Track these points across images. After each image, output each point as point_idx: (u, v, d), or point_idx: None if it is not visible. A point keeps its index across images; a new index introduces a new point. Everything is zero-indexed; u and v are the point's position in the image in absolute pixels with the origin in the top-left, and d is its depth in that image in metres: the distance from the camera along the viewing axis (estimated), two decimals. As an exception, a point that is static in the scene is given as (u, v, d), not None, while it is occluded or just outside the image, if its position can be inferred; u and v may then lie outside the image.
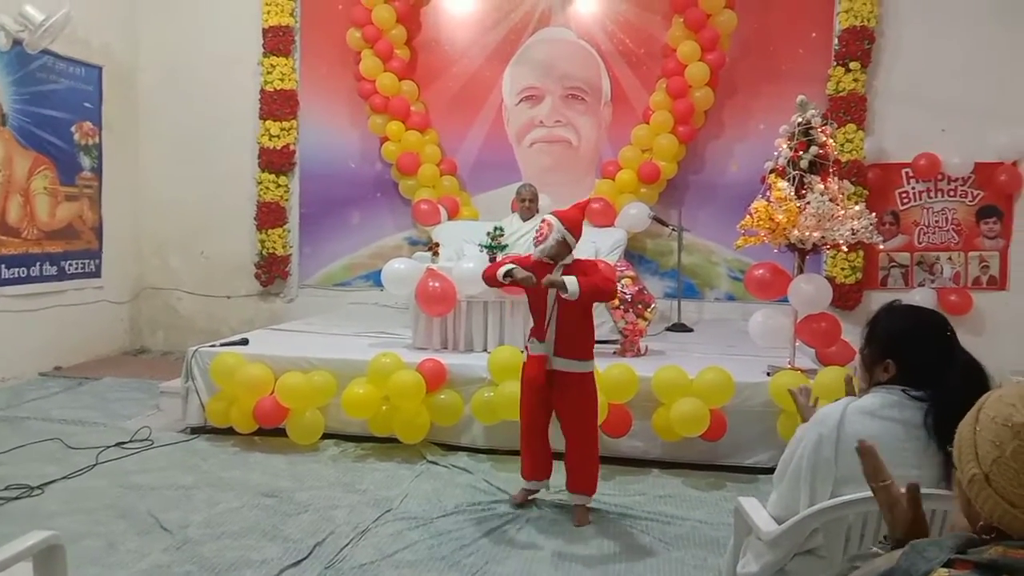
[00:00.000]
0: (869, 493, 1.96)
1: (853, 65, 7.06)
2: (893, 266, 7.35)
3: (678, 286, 7.21)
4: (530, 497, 4.12)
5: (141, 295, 8.22)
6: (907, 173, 7.25)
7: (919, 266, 7.30)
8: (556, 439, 4.05)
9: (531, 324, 3.98)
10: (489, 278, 4.03)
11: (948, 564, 1.13)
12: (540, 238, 3.84)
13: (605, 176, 7.38)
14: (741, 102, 7.44)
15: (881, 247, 6.97)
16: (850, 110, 7.08)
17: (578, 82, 7.62)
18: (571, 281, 3.68)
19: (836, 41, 7.16)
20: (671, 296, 7.26)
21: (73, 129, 7.24)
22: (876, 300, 7.12)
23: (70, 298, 7.21)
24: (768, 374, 4.88)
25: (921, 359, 2.04)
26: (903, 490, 1.50)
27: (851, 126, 7.06)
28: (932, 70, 7.07)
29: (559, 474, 4.07)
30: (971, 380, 1.97)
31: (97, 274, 7.59)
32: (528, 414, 3.98)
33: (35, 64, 6.71)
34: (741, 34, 7.22)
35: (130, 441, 4.96)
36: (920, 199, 7.26)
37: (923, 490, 1.50)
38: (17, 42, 6.41)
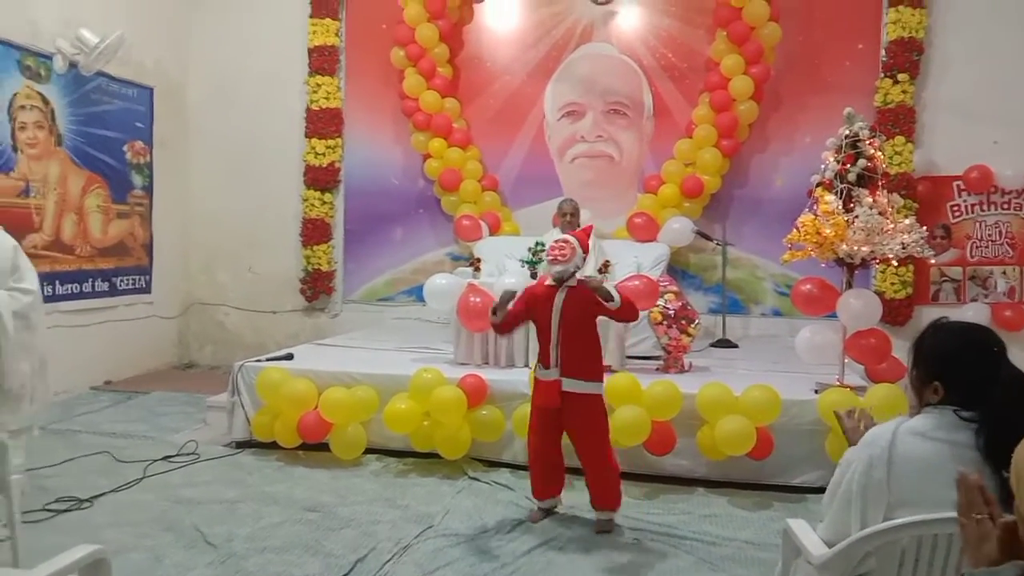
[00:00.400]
0: (924, 517, 1.92)
1: (901, 77, 6.93)
2: (945, 280, 7.16)
3: (722, 301, 7.12)
4: (549, 512, 4.10)
5: (190, 310, 8.38)
6: (958, 186, 7.08)
7: (972, 280, 7.11)
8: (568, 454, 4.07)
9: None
10: (495, 327, 3.94)
11: None
12: (562, 259, 3.75)
13: (647, 190, 7.33)
14: (786, 115, 7.35)
15: (932, 261, 6.83)
16: (899, 122, 6.94)
17: (620, 97, 7.60)
18: (615, 292, 3.71)
19: (883, 53, 7.04)
20: (715, 312, 7.17)
21: (125, 148, 7.44)
22: (927, 315, 6.92)
23: (121, 313, 7.38)
24: (816, 391, 4.77)
25: (968, 379, 1.98)
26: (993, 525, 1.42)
27: (900, 138, 6.92)
28: (982, 81, 6.91)
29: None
30: (1022, 398, 1.90)
31: (147, 290, 7.76)
32: (537, 437, 3.96)
33: (90, 86, 6.91)
34: (786, 47, 7.14)
35: (177, 455, 5.04)
36: (972, 212, 7.07)
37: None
38: (73, 65, 6.61)
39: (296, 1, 7.95)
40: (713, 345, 6.83)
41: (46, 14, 6.40)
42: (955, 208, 7.12)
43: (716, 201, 7.34)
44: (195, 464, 4.92)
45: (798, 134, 7.30)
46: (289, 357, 5.59)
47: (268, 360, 5.47)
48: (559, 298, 3.77)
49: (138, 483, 4.54)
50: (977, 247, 7.07)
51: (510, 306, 3.83)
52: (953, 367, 2.01)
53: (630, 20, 7.61)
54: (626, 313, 3.82)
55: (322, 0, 7.87)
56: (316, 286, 8.02)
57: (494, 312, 3.81)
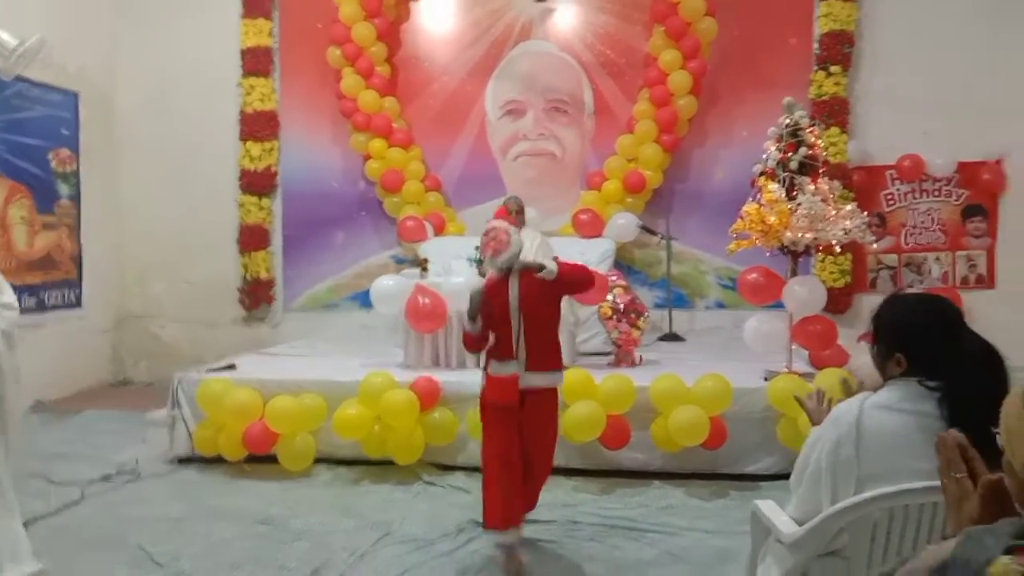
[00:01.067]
0: (895, 488, 1.91)
1: (834, 69, 7.09)
2: (882, 268, 7.34)
3: (668, 296, 7.16)
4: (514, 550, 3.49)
5: (123, 324, 8.06)
6: (891, 175, 7.26)
7: (907, 267, 7.30)
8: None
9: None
10: (468, 341, 3.66)
11: (1008, 551, 1.06)
12: (500, 246, 3.46)
13: (591, 187, 7.34)
14: (724, 110, 7.44)
15: (873, 247, 6.99)
16: (833, 114, 7.09)
17: (560, 94, 7.60)
18: (548, 262, 3.50)
19: (816, 46, 7.18)
20: (661, 307, 7.19)
21: (50, 156, 7.12)
22: (866, 303, 7.10)
23: (50, 330, 7.04)
24: (765, 379, 4.82)
25: (930, 349, 1.98)
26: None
27: (835, 129, 7.06)
28: (913, 72, 7.09)
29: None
30: (985, 364, 1.92)
31: (78, 304, 7.44)
32: (501, 445, 3.45)
33: (9, 91, 6.59)
34: (722, 42, 7.22)
35: (117, 474, 4.81)
36: (905, 200, 7.26)
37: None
38: (-10, 70, 6.28)
39: (228, 2, 7.72)
40: (661, 339, 6.87)
41: (-41, 16, 6.08)
42: (889, 197, 7.30)
43: (658, 196, 7.38)
44: (136, 482, 4.72)
45: (736, 128, 7.39)
46: (231, 367, 5.40)
47: (209, 371, 5.28)
48: (513, 287, 3.48)
49: (76, 504, 4.31)
50: (911, 234, 7.27)
51: (475, 303, 3.48)
52: (914, 338, 2.01)
53: (568, 17, 7.61)
54: (579, 278, 3.59)
55: (254, 0, 7.66)
56: (255, 295, 7.80)
57: (472, 319, 3.47)
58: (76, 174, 7.45)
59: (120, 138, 8.00)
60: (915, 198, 7.25)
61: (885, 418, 1.97)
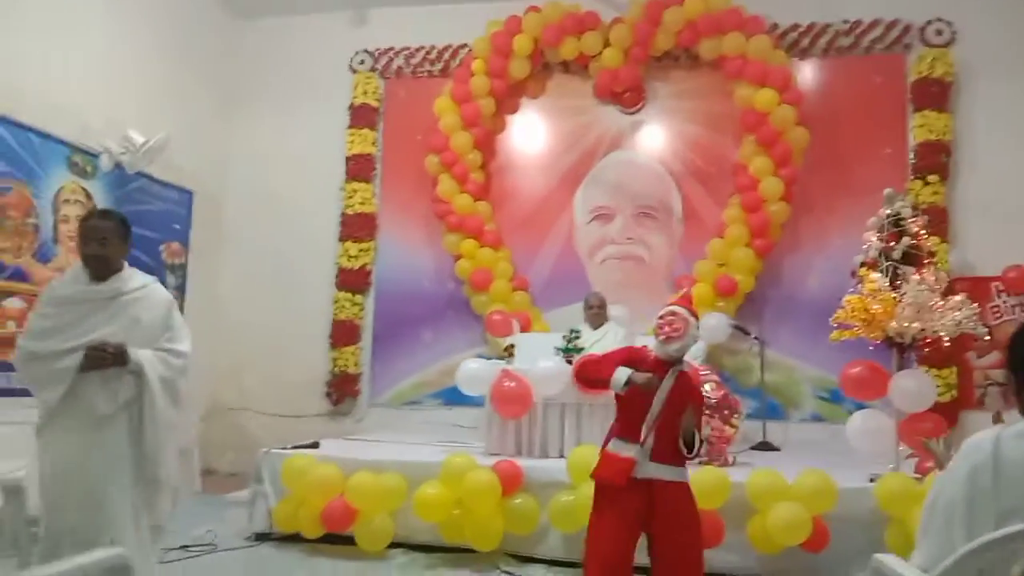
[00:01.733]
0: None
1: (931, 178, 6.98)
2: (990, 384, 6.90)
3: (762, 405, 6.87)
4: None
5: (212, 414, 8.21)
6: (997, 287, 6.95)
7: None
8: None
9: (611, 421, 3.36)
10: (589, 377, 3.42)
11: None
12: (675, 334, 3.23)
13: (694, 311, 7.24)
14: (818, 217, 7.36)
15: (975, 364, 6.67)
16: (932, 223, 6.90)
17: (649, 201, 7.69)
18: (696, 444, 3.24)
19: (912, 155, 7.12)
20: (754, 416, 6.89)
21: (162, 248, 7.54)
22: (972, 422, 6.68)
23: (144, 414, 7.22)
24: (871, 480, 4.50)
25: None
26: None
27: (934, 239, 6.86)
28: (1013, 181, 6.93)
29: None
30: None
31: (172, 391, 7.63)
32: (611, 539, 3.15)
33: (132, 186, 7.09)
34: (814, 151, 7.24)
35: (193, 546, 4.77)
36: (1013, 313, 6.91)
37: None
38: (118, 164, 6.80)
39: (335, 112, 8.25)
40: (754, 448, 6.55)
41: (96, 114, 6.65)
42: (994, 310, 6.97)
43: (750, 302, 7.24)
44: (213, 553, 4.66)
45: (830, 235, 7.28)
46: (315, 445, 5.40)
47: (295, 448, 5.28)
48: (668, 380, 3.21)
49: (153, 570, 4.27)
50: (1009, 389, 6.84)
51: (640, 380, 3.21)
52: None
53: (657, 128, 7.80)
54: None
55: (361, 112, 8.17)
56: (342, 389, 7.88)
57: (626, 386, 3.22)
58: (184, 267, 7.84)
59: (227, 235, 8.45)
60: (1023, 311, 6.90)
61: (1025, 447, 1.80)
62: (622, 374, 3.22)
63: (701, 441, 3.27)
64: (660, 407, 3.20)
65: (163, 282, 7.38)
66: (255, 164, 8.45)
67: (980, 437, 1.88)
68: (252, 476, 5.18)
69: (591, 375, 3.40)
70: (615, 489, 3.18)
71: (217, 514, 5.66)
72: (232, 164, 8.54)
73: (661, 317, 3.31)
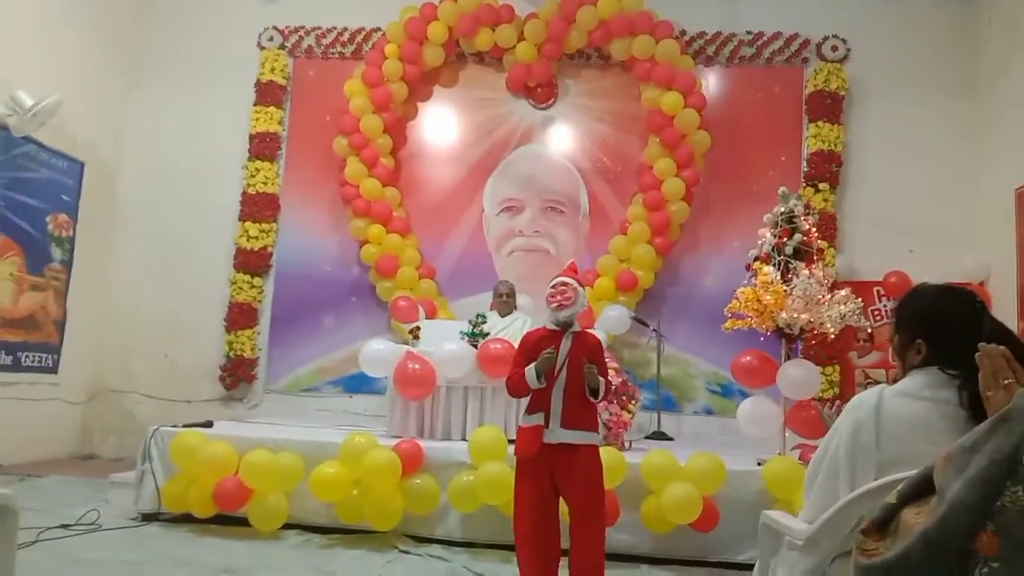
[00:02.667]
0: (918, 472, 1.83)
1: (823, 186, 7.36)
2: (869, 382, 7.32)
3: (658, 397, 7.07)
4: None
5: (97, 397, 7.83)
6: (878, 291, 7.38)
7: (895, 383, 7.27)
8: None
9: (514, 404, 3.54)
10: (519, 393, 3.50)
11: None
12: (567, 302, 3.45)
13: (584, 284, 7.37)
14: (716, 220, 7.64)
15: (857, 363, 7.06)
16: (821, 229, 7.25)
17: (557, 195, 7.80)
18: (602, 390, 3.39)
19: (805, 164, 7.48)
20: (649, 408, 7.08)
21: (48, 219, 7.14)
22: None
23: (22, 391, 6.84)
24: (759, 464, 4.70)
25: (949, 334, 1.96)
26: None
27: (823, 242, 7.22)
28: (897, 193, 7.39)
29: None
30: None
31: (54, 370, 7.25)
32: (535, 505, 3.32)
33: (18, 151, 6.70)
34: (715, 155, 7.51)
35: (75, 524, 4.54)
36: (892, 316, 7.34)
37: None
38: (3, 127, 6.42)
39: (241, 89, 8.01)
40: (648, 437, 6.72)
41: (-19, 72, 6.27)
42: (876, 312, 7.40)
43: (650, 298, 7.45)
44: (95, 532, 4.45)
45: (726, 237, 7.57)
46: (208, 425, 5.23)
47: (186, 426, 5.10)
48: (565, 344, 3.41)
49: (29, 546, 4.05)
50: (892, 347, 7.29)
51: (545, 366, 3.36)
52: (934, 324, 1.99)
53: (567, 124, 7.93)
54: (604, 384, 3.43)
55: (267, 89, 7.96)
56: (237, 373, 7.65)
57: (539, 377, 3.35)
58: (71, 240, 7.45)
59: (119, 211, 8.07)
60: (894, 311, 7.31)
61: (906, 404, 1.92)
62: (531, 373, 3.39)
63: (608, 384, 3.43)
64: (564, 370, 3.38)
65: (48, 254, 7.08)
66: (154, 137, 8.12)
67: (863, 395, 2.00)
68: (139, 458, 4.95)
69: (520, 392, 3.52)
70: (531, 458, 3.35)
71: (100, 495, 5.40)
72: (129, 136, 8.17)
73: (553, 287, 3.53)
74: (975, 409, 1.84)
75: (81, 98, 7.34)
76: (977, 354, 1.36)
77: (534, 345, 3.49)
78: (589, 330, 3.71)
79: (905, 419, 1.91)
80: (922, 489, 1.27)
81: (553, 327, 3.51)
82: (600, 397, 3.41)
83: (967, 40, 7.48)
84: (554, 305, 3.48)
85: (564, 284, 3.51)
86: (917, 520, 1.22)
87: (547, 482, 3.35)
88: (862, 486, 1.89)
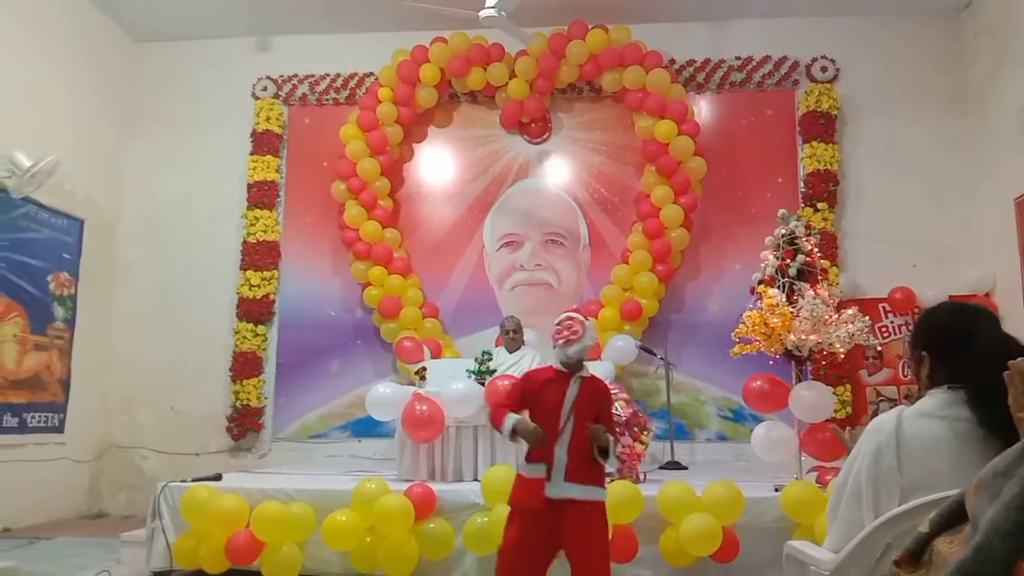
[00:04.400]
0: (946, 494, 1.79)
1: (821, 206, 7.36)
2: (882, 400, 7.26)
3: (669, 426, 7.00)
4: None
5: (105, 454, 7.77)
6: (884, 308, 7.35)
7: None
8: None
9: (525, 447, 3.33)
10: (493, 420, 3.41)
11: None
12: (574, 337, 3.29)
13: (588, 315, 7.35)
14: (716, 244, 7.64)
15: (868, 381, 7.02)
16: (822, 248, 7.24)
17: (557, 228, 7.82)
18: (613, 450, 3.26)
19: (802, 184, 7.49)
20: (661, 438, 7.01)
21: (49, 279, 7.14)
22: (869, 436, 6.96)
23: (29, 453, 6.78)
24: (776, 490, 4.63)
25: (947, 345, 1.94)
26: None
27: (824, 262, 7.20)
28: (896, 209, 7.40)
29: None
30: (994, 358, 1.84)
31: (60, 429, 7.20)
32: (516, 553, 3.21)
33: (17, 212, 6.72)
34: (711, 182, 7.53)
35: (86, 587, 4.48)
36: (900, 332, 7.31)
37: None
38: (1, 189, 6.45)
39: (237, 138, 8.06)
40: (662, 468, 6.65)
41: (-21, 136, 6.31)
42: (883, 330, 7.35)
43: (655, 325, 7.42)
44: (106, 595, 4.38)
45: (728, 261, 7.56)
46: (217, 478, 5.17)
47: (195, 480, 5.04)
48: (572, 389, 3.28)
49: (39, 612, 3.98)
50: (909, 366, 7.25)
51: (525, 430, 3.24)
52: (934, 335, 1.99)
53: (562, 157, 7.97)
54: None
55: (263, 138, 8.01)
56: (244, 423, 7.60)
57: (512, 438, 3.28)
58: (73, 298, 7.45)
59: (120, 265, 8.08)
60: (909, 330, 7.30)
61: (924, 425, 1.89)
62: (508, 424, 3.25)
63: (617, 443, 3.30)
64: (570, 421, 3.23)
65: (51, 314, 7.08)
66: (152, 191, 8.15)
67: (883, 418, 1.97)
68: (148, 515, 4.89)
69: (492, 405, 3.51)
70: (529, 510, 3.21)
71: (111, 555, 5.33)
72: (127, 191, 8.21)
73: (559, 323, 3.39)
74: (990, 426, 1.81)
75: (78, 155, 7.39)
76: (1006, 372, 1.33)
77: (539, 387, 3.35)
78: (596, 374, 3.54)
79: (925, 440, 1.88)
80: (954, 517, 1.24)
81: (561, 368, 3.37)
82: (609, 457, 3.24)
83: (955, 54, 7.54)
84: (561, 341, 3.33)
85: (571, 319, 3.37)
86: (951, 550, 1.19)
87: (541, 537, 3.20)
88: (886, 511, 1.86)
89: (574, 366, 3.35)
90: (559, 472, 3.19)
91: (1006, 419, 1.54)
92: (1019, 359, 1.30)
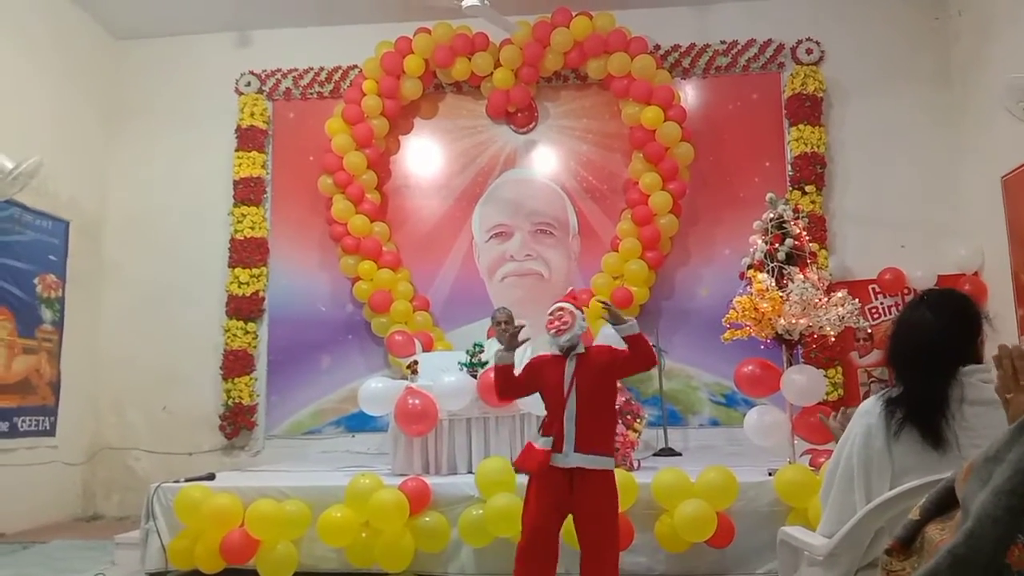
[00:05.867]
0: (937, 477, 1.79)
1: (809, 188, 7.36)
2: (873, 381, 7.28)
3: (662, 412, 7.02)
4: None
5: (97, 456, 7.73)
6: (874, 289, 7.35)
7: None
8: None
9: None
10: (499, 380, 3.65)
11: None
12: (564, 327, 3.50)
13: (578, 305, 7.34)
14: (705, 229, 7.63)
15: (859, 363, 7.03)
16: (811, 231, 7.25)
17: (546, 218, 7.79)
18: (629, 319, 3.57)
19: (790, 167, 7.49)
20: (654, 425, 7.02)
21: (36, 281, 7.08)
22: (861, 417, 6.99)
23: (20, 457, 6.74)
24: (770, 474, 4.65)
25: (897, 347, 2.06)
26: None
27: (814, 245, 7.21)
28: (884, 190, 7.39)
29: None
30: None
31: (51, 432, 7.16)
32: (535, 514, 3.39)
33: (1, 214, 6.66)
34: (699, 167, 7.52)
35: (81, 590, 4.46)
36: (890, 313, 7.33)
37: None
38: (-16, 192, 6.38)
39: (221, 135, 7.99)
40: (656, 454, 6.67)
41: (-40, 139, 6.24)
42: (873, 311, 7.37)
43: (646, 313, 7.40)
44: (102, 598, 4.36)
45: (717, 247, 7.56)
46: (211, 477, 5.15)
47: (188, 480, 5.03)
48: (569, 367, 3.47)
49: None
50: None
51: (520, 337, 3.67)
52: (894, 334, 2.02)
53: (550, 147, 7.93)
54: (644, 350, 3.53)
55: (248, 134, 7.95)
56: (236, 422, 7.57)
57: (508, 350, 3.60)
58: (61, 300, 7.39)
59: (107, 266, 8.02)
60: (899, 311, 7.29)
61: (914, 408, 1.89)
62: (497, 359, 3.64)
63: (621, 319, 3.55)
64: (573, 393, 3.41)
65: (39, 316, 7.01)
66: (137, 190, 8.08)
67: (872, 401, 1.97)
68: (143, 516, 4.87)
69: (499, 382, 3.69)
70: (542, 476, 3.39)
71: (106, 557, 5.32)
72: (112, 191, 8.13)
73: (550, 314, 3.60)
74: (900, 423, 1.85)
75: (61, 155, 7.31)
76: (994, 355, 1.32)
77: (538, 369, 3.62)
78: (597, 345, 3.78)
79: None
80: (945, 503, 1.23)
81: (557, 353, 3.58)
82: (623, 321, 3.53)
83: (938, 32, 7.52)
84: (552, 331, 3.54)
85: (560, 310, 3.57)
86: (943, 536, 1.18)
87: (553, 504, 3.39)
88: (878, 493, 1.86)
89: (567, 352, 3.54)
90: (569, 443, 3.38)
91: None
92: (1010, 344, 1.29)
